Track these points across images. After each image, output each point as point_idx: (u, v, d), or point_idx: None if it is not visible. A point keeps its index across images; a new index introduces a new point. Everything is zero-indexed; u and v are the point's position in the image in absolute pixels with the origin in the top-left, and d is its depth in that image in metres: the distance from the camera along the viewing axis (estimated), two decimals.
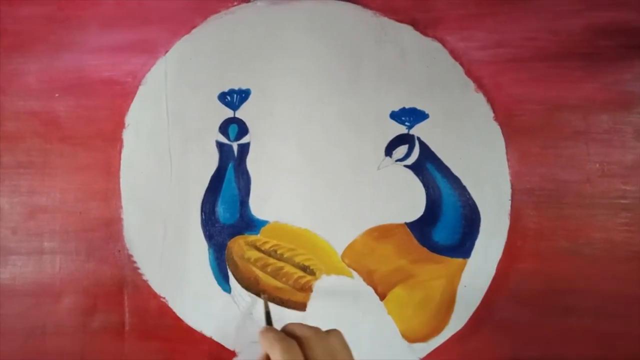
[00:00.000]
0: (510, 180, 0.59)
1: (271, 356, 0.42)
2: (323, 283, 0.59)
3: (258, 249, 0.60)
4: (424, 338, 0.59)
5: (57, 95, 0.60)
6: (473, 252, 0.59)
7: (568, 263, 0.58)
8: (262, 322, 0.51)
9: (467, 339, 0.58)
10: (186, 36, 0.61)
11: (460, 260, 0.59)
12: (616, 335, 0.58)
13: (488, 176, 0.59)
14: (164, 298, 0.59)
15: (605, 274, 0.58)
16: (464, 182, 0.59)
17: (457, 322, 0.58)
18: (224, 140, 0.60)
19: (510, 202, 0.59)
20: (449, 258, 0.59)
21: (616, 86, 0.59)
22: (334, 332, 0.44)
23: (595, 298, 0.58)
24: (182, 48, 0.61)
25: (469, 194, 0.59)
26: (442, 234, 0.59)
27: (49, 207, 0.60)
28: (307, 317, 0.59)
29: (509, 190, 0.59)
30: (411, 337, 0.59)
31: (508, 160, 0.59)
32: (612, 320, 0.58)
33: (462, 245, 0.59)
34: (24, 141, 0.60)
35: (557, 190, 0.59)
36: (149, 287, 0.59)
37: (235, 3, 0.61)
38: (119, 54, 0.60)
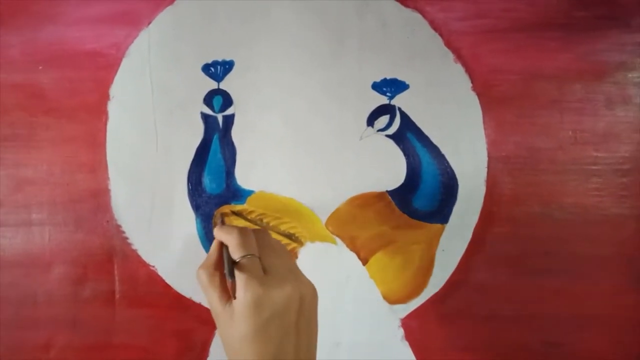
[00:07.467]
0: (487, 149, 0.60)
1: (228, 240, 0.46)
2: (308, 250, 0.61)
3: (244, 218, 0.61)
4: (404, 299, 0.61)
5: (40, 67, 0.60)
6: (451, 218, 0.61)
7: (541, 227, 0.60)
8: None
9: (445, 300, 0.61)
10: (169, 7, 0.60)
11: (438, 225, 0.61)
12: (587, 294, 0.60)
13: (466, 145, 0.60)
14: (153, 266, 0.60)
15: (577, 236, 0.60)
16: (443, 151, 0.61)
17: (435, 284, 0.61)
18: (208, 111, 0.60)
19: (486, 169, 0.60)
20: (428, 224, 0.61)
21: (590, 56, 0.60)
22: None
23: (567, 259, 0.60)
24: (165, 19, 0.60)
25: (447, 162, 0.61)
26: (421, 201, 0.61)
27: (36, 179, 0.60)
28: None
29: (485, 158, 0.60)
30: (392, 299, 0.61)
31: (485, 129, 0.60)
32: (583, 280, 0.60)
33: (440, 211, 0.61)
34: (8, 114, 0.60)
35: (531, 157, 0.60)
36: (138, 256, 0.60)
37: None
38: (102, 25, 0.60)
